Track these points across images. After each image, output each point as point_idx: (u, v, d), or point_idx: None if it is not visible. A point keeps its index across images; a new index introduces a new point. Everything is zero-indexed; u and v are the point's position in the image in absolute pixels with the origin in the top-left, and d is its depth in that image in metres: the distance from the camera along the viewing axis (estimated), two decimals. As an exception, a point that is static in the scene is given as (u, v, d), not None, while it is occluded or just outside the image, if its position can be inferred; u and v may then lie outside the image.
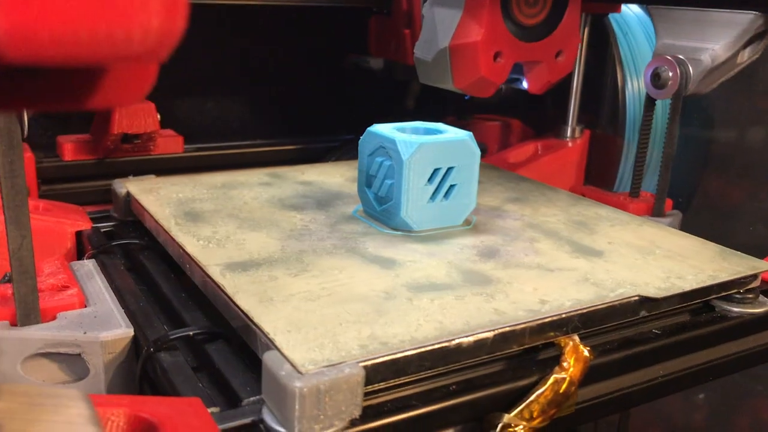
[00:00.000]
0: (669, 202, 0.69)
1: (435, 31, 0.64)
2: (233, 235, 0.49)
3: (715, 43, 0.62)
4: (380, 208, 0.52)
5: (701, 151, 0.85)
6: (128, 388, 0.42)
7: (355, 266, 0.44)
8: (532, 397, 0.37)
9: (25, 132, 0.59)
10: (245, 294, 0.40)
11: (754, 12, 0.60)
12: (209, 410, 0.34)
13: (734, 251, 0.50)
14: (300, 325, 0.36)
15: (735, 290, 0.47)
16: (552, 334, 0.40)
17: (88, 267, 0.49)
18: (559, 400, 0.38)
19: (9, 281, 0.43)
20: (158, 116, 0.65)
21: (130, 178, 0.60)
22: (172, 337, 0.40)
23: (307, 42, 0.86)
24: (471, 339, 0.37)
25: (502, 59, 0.63)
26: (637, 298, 0.42)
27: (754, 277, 0.47)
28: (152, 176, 0.61)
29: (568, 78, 0.79)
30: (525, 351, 0.40)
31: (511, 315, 0.39)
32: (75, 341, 0.41)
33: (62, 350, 0.41)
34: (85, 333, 0.41)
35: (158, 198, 0.56)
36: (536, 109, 0.88)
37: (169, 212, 0.53)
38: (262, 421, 0.33)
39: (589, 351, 0.39)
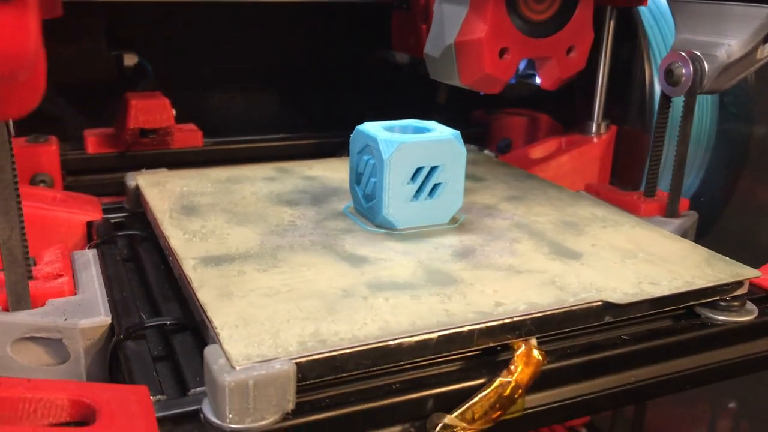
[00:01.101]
0: (685, 202, 0.67)
1: (442, 27, 0.64)
2: (219, 229, 0.51)
3: (731, 38, 0.60)
4: (366, 206, 0.52)
5: (728, 149, 0.82)
6: (106, 373, 0.44)
7: (326, 263, 0.46)
8: (475, 399, 0.38)
9: (11, 130, 0.63)
10: (208, 288, 0.42)
11: (770, 6, 0.57)
12: (155, 398, 0.36)
13: (723, 257, 0.48)
14: (249, 321, 0.38)
15: (717, 297, 0.46)
16: (507, 337, 0.40)
17: (88, 256, 0.52)
18: (504, 403, 0.38)
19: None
20: (173, 112, 0.68)
21: (143, 171, 0.63)
22: (142, 326, 0.42)
23: (335, 36, 0.87)
24: (413, 339, 0.37)
25: (509, 56, 0.63)
26: (600, 303, 0.42)
27: (739, 284, 0.46)
28: (164, 169, 0.64)
29: (595, 72, 0.78)
30: (484, 352, 0.40)
31: (460, 317, 0.39)
32: (56, 327, 0.43)
33: (45, 335, 0.44)
34: (66, 320, 0.43)
35: (162, 191, 0.58)
36: (567, 103, 0.87)
37: (167, 205, 0.55)
38: (201, 411, 0.35)
39: (542, 355, 0.39)
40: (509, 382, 0.38)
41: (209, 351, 0.35)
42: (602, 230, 0.52)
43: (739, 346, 0.46)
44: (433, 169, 0.51)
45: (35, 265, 0.50)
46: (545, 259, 0.47)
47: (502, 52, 0.63)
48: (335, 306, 0.40)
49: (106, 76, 0.73)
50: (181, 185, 0.60)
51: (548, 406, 0.40)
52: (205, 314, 0.39)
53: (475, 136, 0.86)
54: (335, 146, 0.80)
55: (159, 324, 0.43)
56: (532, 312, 0.40)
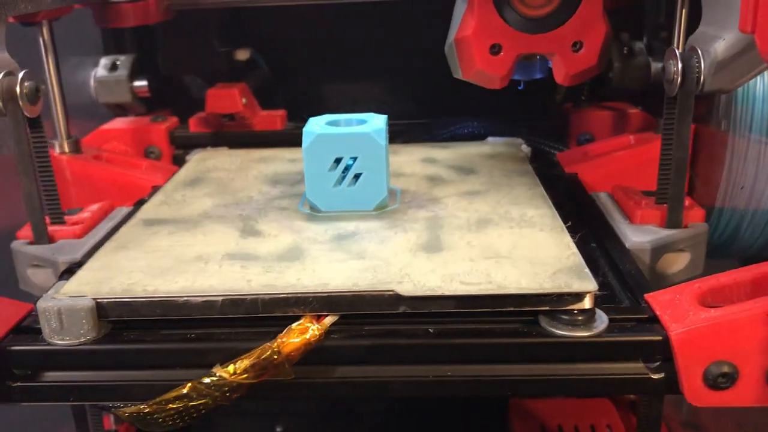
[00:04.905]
0: (699, 213, 0.60)
1: (452, 25, 0.66)
2: (191, 198, 0.62)
3: (729, 31, 0.53)
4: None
5: None
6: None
7: (222, 233, 0.54)
8: (240, 357, 0.44)
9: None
10: (118, 241, 0.53)
11: (757, -5, 0.50)
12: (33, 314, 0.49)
13: (585, 269, 0.46)
14: (108, 268, 0.49)
15: (547, 307, 0.44)
16: (293, 310, 0.45)
17: (121, 212, 0.67)
18: (265, 366, 0.43)
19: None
20: (243, 99, 0.80)
21: (208, 148, 0.77)
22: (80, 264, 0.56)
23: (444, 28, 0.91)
24: (199, 299, 0.45)
25: (503, 52, 0.63)
26: (391, 293, 0.44)
27: (577, 296, 0.44)
28: (224, 148, 0.77)
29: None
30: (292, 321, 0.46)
31: (254, 286, 0.45)
32: (46, 259, 0.59)
33: (41, 264, 0.60)
34: (53, 254, 0.59)
35: (197, 165, 0.71)
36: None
37: (183, 177, 0.68)
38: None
39: (318, 332, 0.44)
40: (271, 347, 0.43)
41: (57, 284, 0.47)
42: (503, 230, 0.52)
43: (568, 364, 0.44)
44: (354, 159, 0.56)
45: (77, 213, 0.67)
46: (404, 251, 0.50)
47: (496, 49, 0.63)
48: (177, 267, 0.49)
49: (222, 68, 0.88)
50: (216, 162, 0.72)
51: (325, 380, 0.45)
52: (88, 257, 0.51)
53: (556, 129, 0.84)
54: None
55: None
56: (318, 291, 0.44)
